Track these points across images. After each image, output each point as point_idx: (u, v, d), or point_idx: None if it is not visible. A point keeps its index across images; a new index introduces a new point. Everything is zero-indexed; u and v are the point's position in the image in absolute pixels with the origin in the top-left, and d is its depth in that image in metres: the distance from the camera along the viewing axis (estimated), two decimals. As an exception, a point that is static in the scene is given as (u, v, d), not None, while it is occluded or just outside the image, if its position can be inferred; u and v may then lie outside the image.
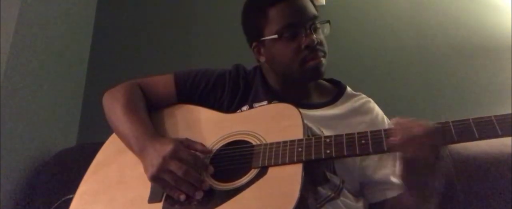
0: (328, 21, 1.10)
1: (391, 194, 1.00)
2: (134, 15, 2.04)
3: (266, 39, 1.08)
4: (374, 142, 0.82)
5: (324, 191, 0.90)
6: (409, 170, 0.84)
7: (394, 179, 1.01)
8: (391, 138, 0.82)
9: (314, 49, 1.04)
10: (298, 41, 1.04)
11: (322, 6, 1.85)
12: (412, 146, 0.79)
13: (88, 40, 1.99)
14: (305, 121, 0.91)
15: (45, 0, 1.69)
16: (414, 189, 0.89)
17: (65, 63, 1.81)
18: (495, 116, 0.75)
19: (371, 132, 0.84)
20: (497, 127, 0.74)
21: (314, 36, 1.04)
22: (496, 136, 0.74)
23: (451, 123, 0.79)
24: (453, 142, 0.79)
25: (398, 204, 0.97)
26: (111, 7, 2.06)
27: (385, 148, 0.81)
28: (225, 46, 1.86)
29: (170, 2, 2.03)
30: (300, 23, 1.04)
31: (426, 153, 0.79)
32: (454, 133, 0.78)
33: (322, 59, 1.05)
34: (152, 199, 0.92)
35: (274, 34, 1.06)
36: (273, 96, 1.10)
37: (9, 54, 1.48)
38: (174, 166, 0.88)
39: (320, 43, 1.05)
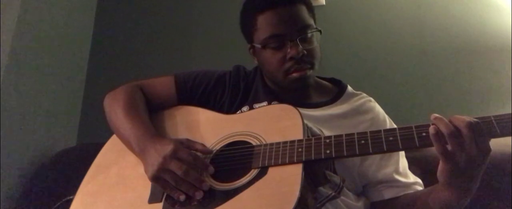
0: (320, 31, 1.08)
1: (396, 191, 1.00)
2: (134, 15, 2.05)
3: (255, 46, 1.09)
4: (373, 142, 0.82)
5: (324, 190, 0.90)
6: (452, 166, 0.77)
7: (399, 177, 1.01)
8: (432, 133, 0.75)
9: (299, 61, 1.02)
10: (284, 51, 1.03)
11: (322, 6, 1.85)
12: (457, 140, 0.74)
13: (88, 40, 1.99)
14: (305, 121, 0.91)
15: (45, 0, 1.69)
16: (453, 186, 0.82)
17: (65, 63, 1.81)
18: (494, 116, 0.75)
19: (370, 132, 0.84)
20: (496, 127, 0.73)
21: (300, 47, 1.01)
22: (495, 136, 0.74)
23: None
24: None
25: (416, 201, 0.95)
26: (111, 8, 2.06)
27: (385, 148, 0.81)
28: (225, 47, 1.86)
29: (170, 2, 2.03)
30: (286, 34, 1.02)
31: (472, 148, 0.73)
32: None
33: (307, 71, 1.04)
34: (152, 200, 0.92)
35: (260, 43, 1.06)
36: (273, 97, 1.10)
37: (9, 54, 1.48)
38: (174, 166, 0.88)
39: (308, 54, 1.03)
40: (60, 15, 1.79)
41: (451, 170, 0.78)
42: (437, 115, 0.77)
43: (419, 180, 1.05)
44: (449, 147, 0.75)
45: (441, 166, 0.79)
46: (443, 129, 0.74)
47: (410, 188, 1.01)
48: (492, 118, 0.74)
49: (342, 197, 0.94)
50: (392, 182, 1.01)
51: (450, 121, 0.75)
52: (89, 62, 1.97)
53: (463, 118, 0.75)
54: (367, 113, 1.09)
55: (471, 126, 0.73)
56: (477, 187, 0.82)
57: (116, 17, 2.04)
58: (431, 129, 0.76)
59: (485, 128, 0.74)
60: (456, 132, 0.74)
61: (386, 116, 1.12)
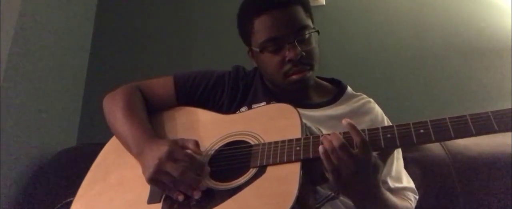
0: (317, 31, 1.07)
1: None
2: (134, 15, 2.05)
3: (254, 49, 1.08)
4: (371, 140, 0.81)
5: (324, 190, 0.90)
6: (339, 179, 0.82)
7: (389, 180, 1.01)
8: (321, 152, 0.81)
9: (297, 63, 1.02)
10: (282, 54, 1.02)
11: (322, 6, 1.85)
12: (337, 156, 0.80)
13: (88, 40, 1.99)
14: (304, 120, 0.91)
15: (45, 1, 1.69)
16: (348, 196, 0.91)
17: (65, 63, 1.81)
18: (492, 112, 0.74)
19: (368, 129, 0.83)
20: (494, 122, 0.73)
21: (298, 49, 1.01)
22: (493, 131, 0.73)
23: (448, 120, 0.78)
24: (451, 138, 0.78)
25: None
26: (111, 7, 2.06)
27: (383, 146, 0.81)
28: (225, 47, 1.86)
29: (170, 2, 2.03)
30: (283, 37, 1.02)
31: (350, 162, 0.79)
32: (451, 130, 0.77)
33: (306, 72, 1.03)
34: (151, 201, 0.92)
35: (258, 47, 1.05)
36: (272, 97, 1.10)
37: (9, 54, 1.48)
38: (170, 167, 0.87)
39: (307, 55, 1.02)
40: (60, 15, 1.79)
41: (341, 183, 0.82)
42: (325, 134, 0.84)
43: (412, 186, 1.04)
44: (334, 163, 0.80)
45: (332, 181, 0.84)
46: (326, 146, 0.80)
47: (398, 192, 1.00)
48: (490, 114, 0.74)
49: (341, 198, 0.94)
50: (383, 184, 1.00)
51: (329, 140, 0.81)
52: (89, 62, 1.97)
53: (336, 136, 0.81)
54: (366, 114, 1.09)
55: (342, 144, 0.79)
56: (378, 192, 0.88)
57: (116, 17, 2.04)
58: (320, 148, 0.81)
59: (482, 124, 0.74)
60: (334, 149, 0.80)
61: (385, 117, 1.11)
